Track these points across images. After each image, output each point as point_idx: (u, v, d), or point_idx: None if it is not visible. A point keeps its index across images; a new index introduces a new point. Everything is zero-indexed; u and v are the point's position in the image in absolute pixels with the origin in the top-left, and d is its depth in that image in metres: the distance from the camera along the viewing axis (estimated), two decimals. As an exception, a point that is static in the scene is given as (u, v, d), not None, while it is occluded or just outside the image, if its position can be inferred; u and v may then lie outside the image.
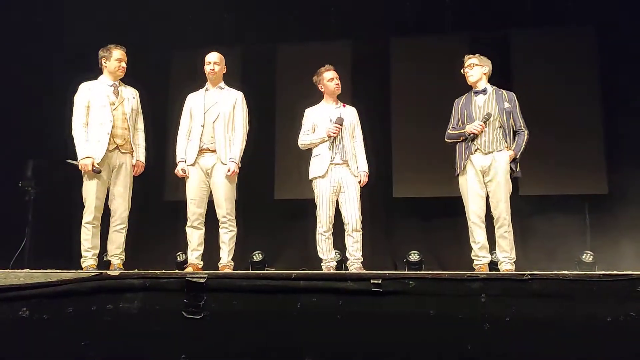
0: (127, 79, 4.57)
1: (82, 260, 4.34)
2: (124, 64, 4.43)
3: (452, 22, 6.41)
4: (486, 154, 4.28)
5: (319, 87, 4.67)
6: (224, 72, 4.61)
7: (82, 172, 4.32)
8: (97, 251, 4.34)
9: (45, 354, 3.34)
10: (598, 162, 6.30)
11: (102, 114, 4.31)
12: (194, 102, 4.55)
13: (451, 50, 6.30)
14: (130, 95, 4.50)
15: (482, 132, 4.28)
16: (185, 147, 4.49)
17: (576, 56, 6.44)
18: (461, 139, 4.38)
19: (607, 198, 6.15)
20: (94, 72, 4.51)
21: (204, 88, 4.59)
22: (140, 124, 4.55)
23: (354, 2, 6.38)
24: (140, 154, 4.48)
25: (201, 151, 4.45)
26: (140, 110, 4.57)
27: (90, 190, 4.27)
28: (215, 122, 4.43)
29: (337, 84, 4.60)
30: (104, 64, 4.44)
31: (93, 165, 4.21)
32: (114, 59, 4.39)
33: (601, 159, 6.30)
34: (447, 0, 6.28)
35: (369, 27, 6.52)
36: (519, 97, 4.57)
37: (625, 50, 6.13)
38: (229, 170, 4.41)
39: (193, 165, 4.46)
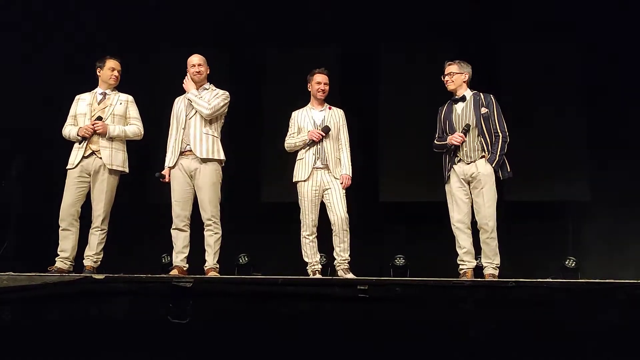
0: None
1: None
2: (116, 73, 4.54)
3: (441, 28, 6.44)
4: (468, 163, 4.32)
5: (308, 87, 4.67)
6: (208, 72, 4.60)
7: None
8: (68, 254, 4.32)
9: (29, 359, 3.31)
10: (581, 168, 6.37)
11: (81, 122, 4.49)
12: (178, 106, 4.56)
13: (440, 56, 6.34)
14: (117, 102, 4.53)
15: (462, 142, 4.31)
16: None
17: (561, 63, 6.51)
18: (444, 150, 4.41)
19: (590, 204, 6.22)
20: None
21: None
22: (131, 129, 4.52)
23: (343, 6, 6.39)
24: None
25: (183, 153, 4.44)
26: (132, 115, 4.57)
27: (64, 195, 4.42)
28: (191, 119, 4.44)
29: (322, 90, 4.57)
30: (98, 73, 4.57)
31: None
32: (107, 68, 4.53)
33: (584, 165, 6.37)
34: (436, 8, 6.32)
35: (358, 33, 6.53)
36: (505, 103, 4.60)
37: (610, 56, 6.21)
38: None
39: (174, 167, 4.44)
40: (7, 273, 3.63)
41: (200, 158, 4.39)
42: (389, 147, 6.61)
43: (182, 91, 4.59)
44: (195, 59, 4.54)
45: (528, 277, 3.87)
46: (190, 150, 4.41)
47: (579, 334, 3.40)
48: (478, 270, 4.46)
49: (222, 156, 4.49)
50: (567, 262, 5.88)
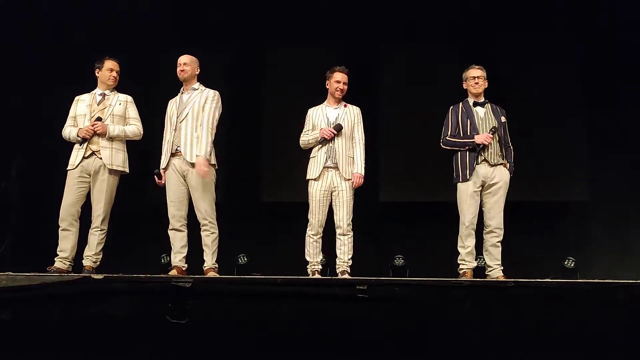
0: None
1: None
2: (115, 74, 4.56)
3: (441, 28, 6.44)
4: (492, 165, 4.36)
5: (326, 84, 4.64)
6: (197, 73, 4.58)
7: None
8: (68, 254, 4.33)
9: (28, 359, 3.31)
10: (581, 168, 6.37)
11: (81, 123, 4.51)
12: (170, 107, 4.57)
13: (440, 56, 6.36)
14: (116, 102, 4.55)
15: (489, 144, 4.36)
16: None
17: (560, 61, 6.50)
18: (466, 148, 4.40)
19: (590, 204, 6.22)
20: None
21: (180, 91, 4.58)
22: (130, 129, 4.53)
23: (343, 6, 6.39)
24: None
25: (174, 154, 4.44)
26: (131, 115, 4.58)
27: (64, 195, 4.42)
28: (182, 122, 4.43)
29: (341, 89, 4.56)
30: (96, 74, 4.60)
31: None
32: (106, 68, 4.55)
33: (584, 165, 6.36)
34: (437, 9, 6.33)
35: (358, 33, 6.53)
36: (504, 103, 4.62)
37: (610, 55, 6.21)
38: (205, 170, 4.31)
39: (168, 168, 4.45)
40: (7, 273, 3.63)
41: (190, 163, 4.36)
42: (389, 147, 6.60)
43: (178, 92, 4.58)
44: (181, 59, 4.56)
45: (527, 277, 3.86)
46: (182, 152, 4.40)
47: (579, 334, 3.40)
48: (477, 270, 4.46)
49: (212, 161, 4.43)
50: (566, 262, 5.88)
